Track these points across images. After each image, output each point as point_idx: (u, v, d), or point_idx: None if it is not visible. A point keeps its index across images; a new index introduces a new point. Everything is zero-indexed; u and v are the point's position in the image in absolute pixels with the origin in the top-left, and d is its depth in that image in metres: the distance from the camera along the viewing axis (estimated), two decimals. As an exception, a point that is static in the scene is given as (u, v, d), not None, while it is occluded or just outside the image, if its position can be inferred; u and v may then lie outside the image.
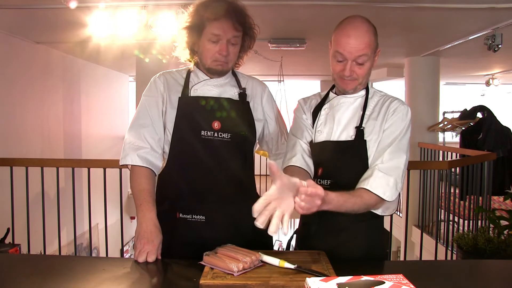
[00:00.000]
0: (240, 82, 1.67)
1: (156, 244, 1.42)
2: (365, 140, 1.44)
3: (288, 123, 1.72)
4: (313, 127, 1.55)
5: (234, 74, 1.68)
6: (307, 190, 1.12)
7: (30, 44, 4.72)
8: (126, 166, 1.57)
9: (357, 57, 1.40)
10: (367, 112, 1.48)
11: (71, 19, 3.53)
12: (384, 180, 1.35)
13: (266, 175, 1.83)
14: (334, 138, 1.49)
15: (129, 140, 1.56)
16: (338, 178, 1.45)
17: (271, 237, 1.76)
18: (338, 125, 1.50)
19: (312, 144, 1.54)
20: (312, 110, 1.59)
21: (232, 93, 1.63)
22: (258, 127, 1.67)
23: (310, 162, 1.52)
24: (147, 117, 1.58)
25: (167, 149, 1.59)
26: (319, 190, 1.14)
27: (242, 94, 1.63)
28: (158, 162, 1.58)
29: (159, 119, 1.59)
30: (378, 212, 1.44)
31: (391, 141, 1.41)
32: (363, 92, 1.51)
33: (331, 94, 1.58)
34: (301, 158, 1.51)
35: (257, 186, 1.74)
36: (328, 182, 1.46)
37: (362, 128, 1.45)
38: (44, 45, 4.93)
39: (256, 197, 1.68)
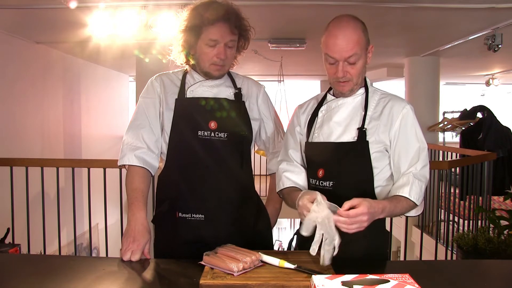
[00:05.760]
0: (236, 82, 1.68)
1: (142, 243, 1.42)
2: (368, 141, 1.43)
3: (288, 124, 1.72)
4: (310, 130, 1.54)
5: (229, 75, 1.69)
6: (349, 213, 1.21)
7: (30, 44, 4.72)
8: (124, 167, 1.58)
9: (348, 57, 1.39)
10: (369, 113, 1.47)
11: (71, 19, 3.54)
12: (418, 186, 1.40)
13: (266, 175, 1.84)
14: (335, 139, 1.47)
15: (127, 141, 1.58)
16: (341, 180, 1.44)
17: (271, 238, 1.76)
18: (338, 126, 1.48)
19: (312, 144, 1.52)
20: (308, 115, 1.58)
21: (227, 93, 1.63)
22: (255, 126, 1.68)
23: (299, 178, 1.55)
24: (144, 118, 1.60)
25: (165, 150, 1.60)
26: (362, 208, 1.22)
27: (238, 94, 1.64)
28: (155, 163, 1.59)
29: (156, 120, 1.60)
30: (411, 214, 1.46)
31: (418, 149, 1.43)
32: (362, 90, 1.50)
33: (329, 96, 1.56)
34: (287, 179, 1.56)
35: (257, 186, 1.74)
36: (331, 184, 1.45)
37: (364, 129, 1.44)
38: (44, 45, 4.92)
39: (255, 196, 1.69)
